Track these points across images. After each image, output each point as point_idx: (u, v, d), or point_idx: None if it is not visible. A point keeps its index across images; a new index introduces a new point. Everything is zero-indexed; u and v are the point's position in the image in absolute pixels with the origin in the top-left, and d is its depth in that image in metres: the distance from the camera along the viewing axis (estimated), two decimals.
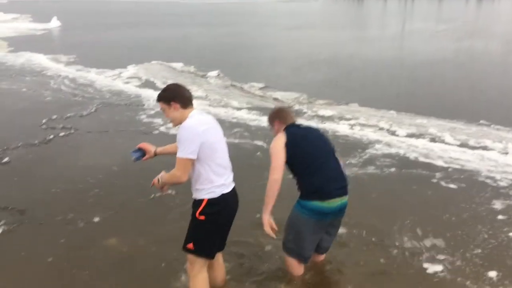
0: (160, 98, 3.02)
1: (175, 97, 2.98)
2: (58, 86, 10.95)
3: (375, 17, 29.65)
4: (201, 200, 2.97)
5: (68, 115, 8.35)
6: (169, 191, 4.52)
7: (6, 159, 6.20)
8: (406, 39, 20.36)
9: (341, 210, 3.45)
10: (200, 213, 2.96)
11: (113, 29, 22.53)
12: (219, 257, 3.37)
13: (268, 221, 3.36)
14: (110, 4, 36.21)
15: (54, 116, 8.19)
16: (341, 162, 3.56)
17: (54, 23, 23.43)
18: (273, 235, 3.39)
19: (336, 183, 3.39)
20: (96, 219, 4.67)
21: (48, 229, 4.51)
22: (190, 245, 3.02)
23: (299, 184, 3.44)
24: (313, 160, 3.41)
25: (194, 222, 3.02)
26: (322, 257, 3.85)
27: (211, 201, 2.96)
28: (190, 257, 3.08)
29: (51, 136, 7.12)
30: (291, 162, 3.42)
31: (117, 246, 4.23)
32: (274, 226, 3.38)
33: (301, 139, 3.48)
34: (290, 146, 3.40)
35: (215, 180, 2.97)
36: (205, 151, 2.90)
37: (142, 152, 3.33)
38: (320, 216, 3.36)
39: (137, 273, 3.83)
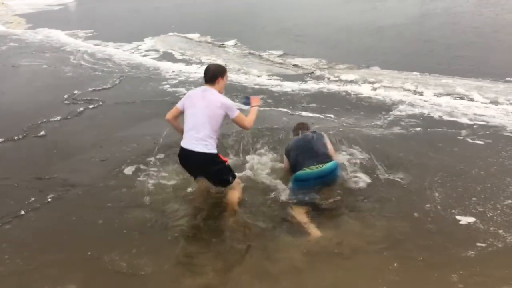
0: None
1: None
2: (78, 61, 11.07)
3: None
4: None
5: (93, 89, 8.51)
6: None
7: (42, 133, 6.41)
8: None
9: (324, 176, 4.26)
10: None
11: (126, 2, 22.36)
12: (227, 190, 4.29)
13: None
14: None
15: (78, 91, 8.30)
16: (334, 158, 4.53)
17: None
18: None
19: (310, 159, 4.32)
20: (137, 183, 4.89)
21: (94, 195, 4.74)
22: None
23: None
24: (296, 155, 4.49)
25: None
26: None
27: None
28: None
29: (82, 109, 7.31)
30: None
31: (160, 206, 4.45)
32: None
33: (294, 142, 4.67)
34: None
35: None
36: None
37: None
38: (299, 183, 4.27)
39: (181, 230, 4.07)
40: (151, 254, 3.77)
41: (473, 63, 9.31)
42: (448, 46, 10.89)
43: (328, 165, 4.29)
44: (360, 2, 18.47)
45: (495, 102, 7.00)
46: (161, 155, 5.47)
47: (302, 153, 4.47)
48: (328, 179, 4.34)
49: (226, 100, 4.07)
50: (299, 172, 4.29)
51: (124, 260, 3.72)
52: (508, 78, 8.01)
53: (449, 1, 17.42)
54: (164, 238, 4.00)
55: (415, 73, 8.74)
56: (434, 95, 7.46)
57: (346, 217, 4.17)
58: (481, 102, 7.02)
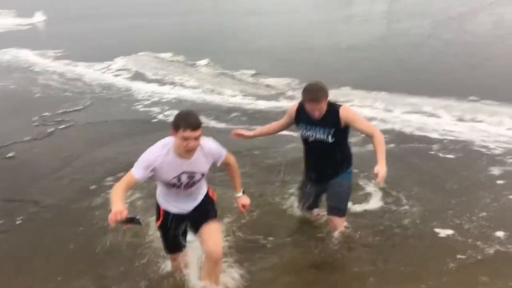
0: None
1: None
2: (47, 81, 10.82)
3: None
4: None
5: (63, 110, 8.29)
6: None
7: (11, 154, 6.20)
8: (373, 21, 20.38)
9: None
10: None
11: (96, 21, 22.12)
12: None
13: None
14: None
15: (48, 113, 8.07)
16: None
17: (39, 17, 23.00)
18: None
19: None
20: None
21: (65, 217, 4.58)
22: None
23: (347, 154, 4.10)
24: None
25: None
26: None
27: None
28: None
29: (52, 129, 7.12)
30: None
31: (135, 229, 4.30)
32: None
33: None
34: None
35: None
36: None
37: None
38: None
39: (157, 252, 3.94)
40: (126, 279, 3.64)
41: (438, 83, 9.51)
42: (412, 66, 11.16)
43: None
44: (325, 23, 18.93)
45: (462, 120, 7.20)
46: None
47: None
48: None
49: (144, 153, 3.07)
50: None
51: (97, 286, 3.57)
52: (471, 97, 8.22)
53: (408, 24, 17.97)
54: (139, 261, 3.85)
55: (383, 92, 8.88)
56: (403, 113, 7.62)
57: (325, 233, 4.15)
58: (449, 120, 7.22)
